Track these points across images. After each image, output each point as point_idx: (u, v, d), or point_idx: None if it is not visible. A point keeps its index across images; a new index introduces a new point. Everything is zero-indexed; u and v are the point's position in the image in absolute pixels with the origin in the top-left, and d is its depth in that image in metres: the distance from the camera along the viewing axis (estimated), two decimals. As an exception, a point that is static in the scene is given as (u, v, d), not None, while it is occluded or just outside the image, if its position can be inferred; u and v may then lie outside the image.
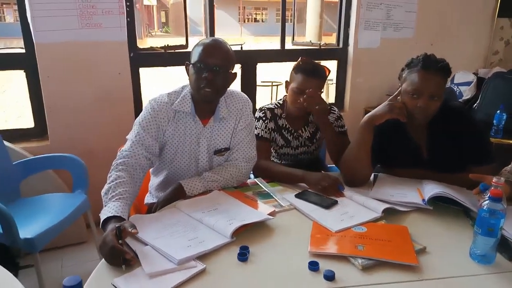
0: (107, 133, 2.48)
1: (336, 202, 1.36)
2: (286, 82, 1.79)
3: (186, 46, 2.92)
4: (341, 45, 3.18)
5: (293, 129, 1.81)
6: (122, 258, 0.99)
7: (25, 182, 2.16)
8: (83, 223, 2.41)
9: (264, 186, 1.53)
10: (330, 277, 0.96)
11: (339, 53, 3.19)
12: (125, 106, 2.52)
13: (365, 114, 1.54)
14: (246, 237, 1.15)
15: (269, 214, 1.26)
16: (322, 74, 1.72)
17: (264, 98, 5.48)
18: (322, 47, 3.31)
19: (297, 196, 1.42)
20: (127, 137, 1.46)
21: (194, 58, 1.40)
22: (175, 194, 1.40)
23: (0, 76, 10.16)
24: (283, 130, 1.80)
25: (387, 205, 1.31)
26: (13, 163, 2.11)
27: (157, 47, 2.72)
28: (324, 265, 1.02)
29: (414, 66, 1.46)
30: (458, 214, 1.30)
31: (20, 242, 1.66)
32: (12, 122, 6.29)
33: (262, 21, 27.34)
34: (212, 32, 2.77)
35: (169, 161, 1.52)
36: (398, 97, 1.49)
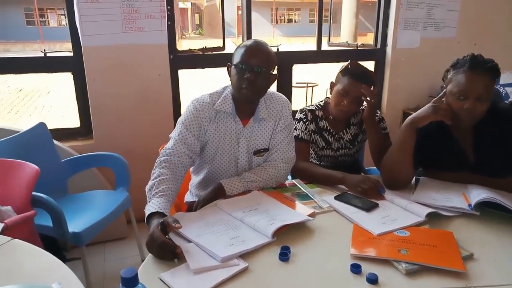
0: (147, 132, 2.56)
1: (377, 205, 1.35)
2: (331, 83, 1.78)
3: (223, 48, 2.97)
4: (378, 46, 3.12)
5: (334, 131, 1.80)
6: (172, 252, 1.03)
7: (72, 179, 2.28)
8: (123, 219, 2.50)
9: (303, 187, 1.53)
10: (373, 280, 0.95)
11: (376, 54, 3.13)
12: (164, 106, 2.60)
13: (403, 116, 1.52)
14: (286, 237, 1.16)
15: (309, 216, 1.27)
16: (369, 79, 1.70)
17: (299, 99, 5.47)
18: (359, 48, 3.26)
19: (336, 198, 1.42)
20: (170, 135, 1.51)
21: (236, 59, 1.43)
22: (215, 193, 1.43)
23: (45, 77, 10.75)
24: (324, 132, 1.79)
25: (430, 210, 1.28)
26: (62, 160, 2.23)
27: (195, 49, 2.78)
28: (366, 268, 1.01)
29: (461, 66, 1.42)
30: (507, 221, 1.25)
31: (69, 235, 1.75)
32: (56, 122, 6.62)
33: (295, 21, 27.22)
34: (249, 34, 2.80)
35: (210, 160, 1.55)
36: (443, 99, 1.45)
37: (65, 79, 10.20)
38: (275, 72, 1.51)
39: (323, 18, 3.08)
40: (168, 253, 1.04)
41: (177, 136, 1.46)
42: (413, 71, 3.13)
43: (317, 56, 3.10)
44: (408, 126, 1.45)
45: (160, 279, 0.98)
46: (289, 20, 27.45)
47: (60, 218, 1.71)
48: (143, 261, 2.38)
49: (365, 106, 1.74)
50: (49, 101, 8.34)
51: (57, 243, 2.20)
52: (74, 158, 2.27)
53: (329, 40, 3.40)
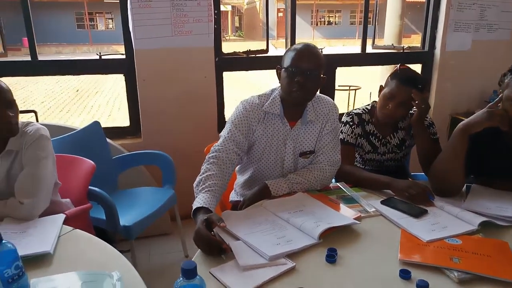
0: (192, 132, 2.65)
1: (425, 211, 1.32)
2: (381, 86, 1.76)
3: (266, 50, 3.01)
4: (426, 48, 3.03)
5: (381, 135, 1.78)
6: (219, 249, 1.07)
7: (121, 175, 2.40)
8: (167, 216, 2.59)
9: (348, 190, 1.53)
10: (424, 287, 0.94)
11: (424, 57, 3.05)
12: (209, 107, 2.67)
13: (451, 121, 1.47)
14: (332, 240, 1.16)
15: (355, 219, 1.27)
16: (419, 84, 1.66)
17: (341, 102, 5.40)
18: (405, 50, 3.18)
19: (383, 202, 1.40)
20: (220, 134, 1.56)
21: (286, 62, 1.45)
22: (261, 193, 1.46)
23: (93, 78, 11.32)
24: (370, 136, 1.77)
25: (484, 218, 1.23)
26: (113, 157, 2.35)
27: (239, 52, 2.84)
28: (416, 274, 1.00)
29: (519, 71, 1.36)
30: None
31: (120, 228, 1.85)
32: (103, 120, 6.96)
33: (335, 23, 26.88)
34: (293, 37, 2.81)
35: (256, 160, 1.58)
36: (499, 104, 1.40)
37: (112, 80, 10.68)
38: (324, 75, 1.52)
39: (360, 19, 3.03)
40: (215, 249, 1.08)
41: (227, 134, 1.51)
42: (463, 75, 3.01)
43: (362, 59, 3.06)
44: (460, 132, 1.41)
45: (210, 273, 1.02)
46: (329, 22, 27.13)
47: (113, 211, 1.80)
48: (186, 257, 2.46)
49: (414, 111, 1.70)
50: (98, 101, 8.77)
51: (107, 236, 2.32)
52: (124, 155, 2.39)
53: (373, 42, 3.34)
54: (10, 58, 2.71)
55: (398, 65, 1.70)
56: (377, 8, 3.31)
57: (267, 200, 1.42)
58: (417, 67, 2.99)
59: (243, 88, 9.66)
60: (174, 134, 2.63)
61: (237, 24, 28.01)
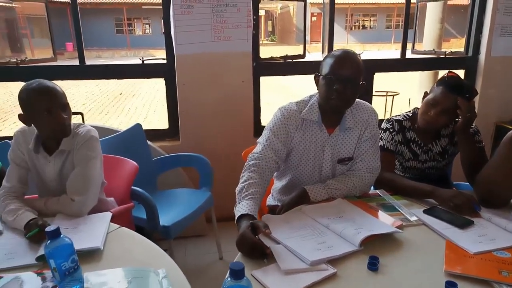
0: (229, 136, 2.69)
1: (471, 222, 1.28)
2: (425, 93, 1.71)
3: (303, 56, 3.02)
4: (470, 53, 2.93)
5: (422, 143, 1.74)
6: (262, 252, 1.08)
7: (159, 176, 2.47)
8: (203, 217, 2.64)
9: (388, 198, 1.50)
10: (472, 300, 0.91)
11: (467, 62, 2.95)
12: (246, 112, 2.71)
13: (496, 129, 1.42)
14: (374, 248, 1.15)
15: (397, 227, 1.25)
16: (466, 92, 1.60)
17: (378, 108, 5.28)
18: (447, 55, 3.09)
19: (426, 212, 1.37)
20: (258, 140, 1.58)
21: (325, 70, 1.45)
22: (299, 198, 1.47)
23: (131, 82, 11.70)
24: (411, 143, 1.74)
25: (535, 232, 1.18)
26: (153, 159, 2.43)
27: (276, 57, 2.86)
28: (462, 287, 0.97)
29: None
30: None
31: (160, 228, 1.90)
32: (140, 122, 7.17)
33: (370, 27, 26.42)
34: (331, 42, 2.80)
35: (294, 166, 1.59)
36: None
37: (148, 84, 10.96)
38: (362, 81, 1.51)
39: (399, 23, 2.97)
40: (258, 253, 1.10)
41: (265, 141, 1.52)
42: (509, 81, 2.89)
43: (401, 64, 3.00)
44: (510, 141, 1.36)
45: (252, 275, 1.04)
46: (363, 26, 26.71)
47: (154, 211, 1.87)
48: (220, 259, 2.50)
49: (458, 119, 1.65)
50: (135, 103, 9.07)
51: (145, 235, 2.40)
52: (164, 157, 2.47)
53: (413, 47, 3.26)
54: (58, 62, 2.86)
55: (447, 72, 1.66)
56: (418, 12, 3.23)
57: (306, 205, 1.42)
58: (460, 73, 2.90)
59: (274, 92, 9.67)
60: (211, 137, 2.69)
61: (270, 29, 28.14)
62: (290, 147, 1.55)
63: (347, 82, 1.40)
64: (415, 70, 3.06)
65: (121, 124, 7.02)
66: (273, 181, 1.77)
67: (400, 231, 1.23)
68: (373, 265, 1.07)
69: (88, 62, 2.62)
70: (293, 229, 1.25)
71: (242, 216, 1.26)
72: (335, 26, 2.93)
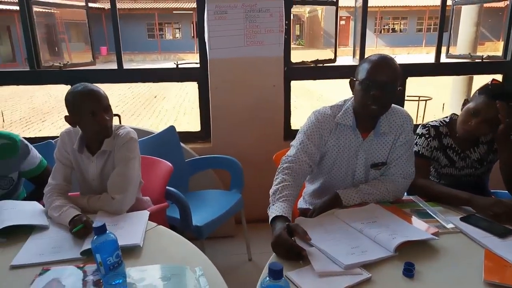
0: (259, 139, 2.72)
1: (511, 231, 1.25)
2: (465, 100, 1.67)
3: (334, 60, 3.01)
4: (508, 58, 2.83)
5: (459, 149, 1.70)
6: (297, 254, 1.10)
7: (191, 177, 2.53)
8: (232, 219, 2.68)
9: (423, 204, 1.48)
10: (513, 310, 0.89)
11: (506, 67, 2.85)
12: (276, 115, 2.73)
13: None
14: (409, 254, 1.14)
15: (433, 234, 1.23)
16: (509, 101, 1.54)
17: (410, 113, 5.16)
18: (484, 60, 3.00)
19: (463, 219, 1.35)
20: (291, 143, 1.60)
21: (361, 75, 1.44)
22: (331, 202, 1.47)
23: (162, 85, 11.98)
24: (447, 150, 1.70)
25: None
26: (185, 160, 2.49)
27: (307, 61, 2.87)
28: (503, 297, 0.95)
29: None
30: None
31: (192, 228, 1.95)
32: (170, 124, 7.33)
33: (400, 31, 25.89)
34: (362, 46, 2.78)
35: (327, 170, 1.60)
36: None
37: (177, 87, 11.19)
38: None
39: (430, 26, 2.90)
40: (294, 254, 1.12)
41: (299, 145, 1.54)
42: (551, 86, 2.77)
43: (435, 69, 2.93)
44: None
45: (286, 277, 1.05)
46: (393, 30, 26.20)
47: (187, 211, 1.92)
48: (250, 260, 2.51)
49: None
50: (165, 106, 9.28)
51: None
52: (196, 159, 2.52)
53: (447, 51, 3.18)
54: (97, 66, 2.99)
55: (490, 80, 1.61)
56: (453, 15, 3.15)
57: (339, 209, 1.43)
58: (497, 78, 2.81)
59: (301, 96, 9.65)
60: (242, 140, 2.72)
61: (297, 33, 28.10)
62: (323, 151, 1.56)
63: (384, 87, 1.39)
64: (450, 75, 2.99)
65: (152, 126, 7.21)
66: (305, 185, 1.78)
67: (436, 238, 1.22)
68: (409, 271, 1.06)
69: (130, 67, 2.71)
70: (327, 233, 1.26)
71: (276, 218, 1.28)
72: (356, 29, 2.91)
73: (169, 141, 2.43)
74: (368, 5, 2.80)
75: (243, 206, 2.36)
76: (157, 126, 7.06)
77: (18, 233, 1.32)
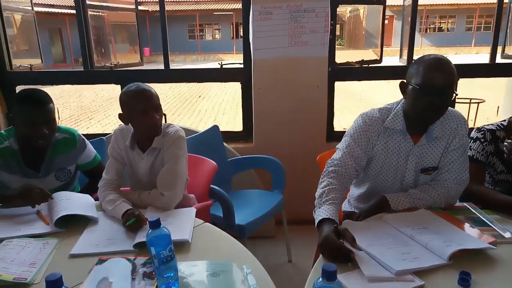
0: (302, 140, 2.71)
1: None
2: None
3: (380, 61, 2.94)
4: None
5: (518, 155, 1.61)
6: (346, 257, 1.09)
7: (233, 177, 2.56)
8: (272, 219, 2.68)
9: (478, 212, 1.41)
10: None
11: None
12: (319, 116, 2.71)
13: None
14: (463, 263, 1.09)
15: (490, 243, 1.17)
16: None
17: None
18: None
19: (522, 229, 1.27)
20: (337, 146, 1.57)
21: (416, 78, 1.37)
22: (379, 206, 1.43)
23: (201, 85, 12.22)
24: (505, 155, 1.61)
25: None
26: (228, 160, 2.53)
27: (352, 62, 2.82)
28: None
29: None
30: None
31: (235, 227, 1.97)
32: (209, 124, 7.46)
33: (448, 30, 24.79)
34: (411, 47, 2.70)
35: (374, 174, 1.56)
36: None
37: (217, 87, 11.39)
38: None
39: (484, 25, 2.74)
40: (342, 257, 1.11)
41: (345, 148, 1.51)
42: None
43: (491, 70, 2.78)
44: None
45: (335, 279, 1.04)
46: (440, 29, 25.15)
47: (230, 210, 1.94)
48: (289, 261, 2.50)
49: None
50: (204, 106, 9.46)
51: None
52: (239, 158, 2.55)
53: (503, 51, 3.01)
54: (145, 67, 3.10)
55: None
56: (510, 13, 2.98)
57: (388, 214, 1.39)
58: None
59: (340, 96, 9.49)
60: (284, 141, 2.72)
61: (338, 33, 27.68)
62: (371, 155, 1.52)
63: (440, 92, 1.33)
64: (506, 76, 2.82)
65: (192, 125, 7.37)
66: (350, 188, 1.75)
67: (494, 247, 1.16)
68: (465, 281, 1.02)
69: (163, 66, 2.80)
70: (375, 237, 1.23)
71: (323, 221, 1.27)
72: (404, 28, 2.82)
73: (212, 140, 2.48)
74: (409, 4, 2.71)
75: (284, 207, 2.35)
76: (196, 126, 7.21)
77: (75, 224, 1.40)
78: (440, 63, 1.36)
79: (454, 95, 1.39)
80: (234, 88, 11.24)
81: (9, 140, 1.64)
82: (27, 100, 1.56)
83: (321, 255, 1.17)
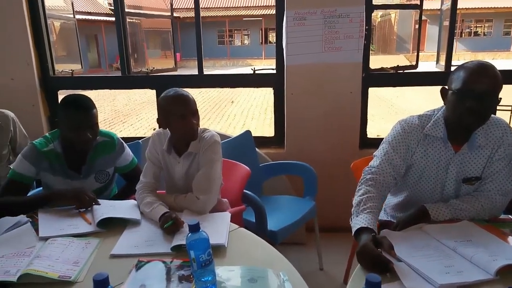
0: (334, 146, 2.68)
1: None
2: None
3: (415, 66, 2.87)
4: None
5: None
6: (385, 267, 1.06)
7: (264, 182, 2.56)
8: (303, 226, 2.66)
9: (525, 225, 1.35)
10: None
11: None
12: (352, 123, 2.67)
13: None
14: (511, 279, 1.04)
15: (541, 260, 1.11)
16: None
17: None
18: None
19: None
20: (374, 154, 1.55)
21: (456, 84, 1.34)
22: (418, 216, 1.39)
23: (230, 90, 12.34)
24: None
25: None
26: (259, 165, 2.53)
27: (387, 67, 2.77)
28: None
29: None
30: None
31: (267, 232, 1.97)
32: (238, 129, 7.52)
33: (484, 34, 23.91)
34: (449, 53, 2.62)
35: (413, 183, 1.52)
36: None
37: (246, 92, 11.43)
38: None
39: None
40: (381, 267, 1.08)
41: (383, 155, 1.48)
42: None
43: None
44: None
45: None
46: (475, 33, 24.30)
47: (263, 215, 1.94)
48: (321, 269, 2.46)
49: None
50: (233, 111, 9.54)
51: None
52: (270, 164, 2.55)
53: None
54: (179, 72, 3.17)
55: None
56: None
57: (428, 224, 1.35)
58: None
59: (369, 103, 9.31)
60: (316, 147, 2.70)
61: (368, 38, 27.27)
62: (409, 163, 1.49)
63: (482, 98, 1.29)
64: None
65: (221, 129, 7.44)
66: (387, 196, 1.71)
67: (545, 263, 1.09)
68: (514, 298, 0.97)
69: (194, 71, 2.85)
70: (415, 248, 1.19)
71: (361, 230, 1.24)
72: (442, 33, 2.74)
73: (245, 145, 2.49)
74: (447, 8, 2.63)
75: (316, 214, 2.33)
76: (225, 130, 7.27)
77: (114, 225, 1.44)
78: (482, 68, 1.32)
79: (498, 102, 1.34)
80: (263, 93, 11.28)
81: (53, 143, 1.71)
82: (72, 105, 1.62)
83: (358, 265, 1.15)
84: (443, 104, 1.46)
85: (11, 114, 2.29)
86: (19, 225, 1.41)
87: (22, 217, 1.46)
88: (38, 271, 1.11)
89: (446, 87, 1.41)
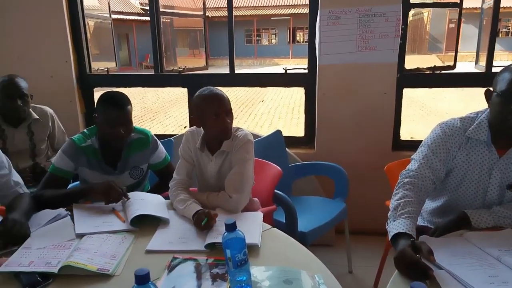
0: (365, 148, 2.62)
1: None
2: None
3: (453, 67, 2.78)
4: None
5: None
6: (424, 273, 1.03)
7: (294, 182, 2.54)
8: (333, 228, 2.62)
9: None
10: None
11: None
12: (385, 124, 2.61)
13: None
14: None
15: None
16: None
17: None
18: None
19: None
20: (412, 157, 1.50)
21: (501, 85, 1.29)
22: (458, 222, 1.34)
23: (258, 89, 12.35)
24: None
25: None
26: (289, 165, 2.52)
27: (423, 68, 2.69)
28: None
29: None
30: None
31: (298, 233, 1.95)
32: (265, 128, 7.52)
33: (522, 34, 22.88)
34: (491, 53, 2.51)
35: (453, 188, 1.47)
36: None
37: (274, 92, 11.38)
38: None
39: None
40: (419, 273, 1.04)
41: (422, 159, 1.44)
42: None
43: None
44: None
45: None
46: (513, 33, 23.26)
47: (294, 216, 1.93)
48: (350, 272, 2.43)
49: None
50: (260, 110, 9.55)
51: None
52: (301, 164, 2.53)
53: None
54: (210, 71, 3.20)
55: None
56: None
57: (469, 232, 1.30)
58: None
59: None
60: (347, 148, 2.66)
61: (399, 37, 26.62)
62: (450, 166, 1.43)
63: None
64: None
65: (248, 128, 7.45)
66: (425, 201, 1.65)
67: None
68: None
69: (222, 70, 2.86)
70: (456, 256, 1.15)
71: (399, 235, 1.21)
72: (474, 32, 2.62)
73: (275, 144, 2.48)
74: (486, 7, 2.52)
75: (347, 216, 2.29)
76: (252, 129, 7.28)
77: (148, 222, 1.45)
78: None
79: None
80: (290, 93, 11.22)
81: (91, 139, 1.76)
82: (109, 102, 1.66)
83: (396, 271, 1.12)
84: (487, 107, 1.40)
85: (50, 110, 2.37)
86: (59, 218, 1.45)
87: (62, 210, 1.51)
88: (78, 263, 1.14)
89: (491, 88, 1.36)
